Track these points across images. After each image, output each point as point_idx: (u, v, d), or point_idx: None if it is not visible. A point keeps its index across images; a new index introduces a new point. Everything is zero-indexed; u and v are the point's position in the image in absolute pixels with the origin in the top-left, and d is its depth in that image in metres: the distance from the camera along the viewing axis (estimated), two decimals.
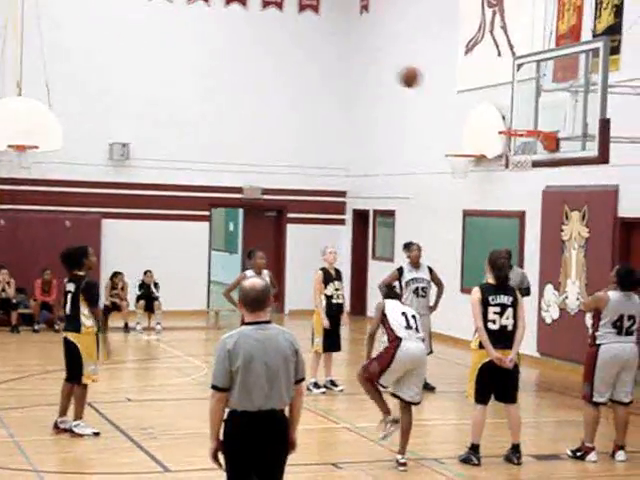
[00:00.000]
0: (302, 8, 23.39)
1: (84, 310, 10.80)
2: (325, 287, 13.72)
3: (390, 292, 10.66)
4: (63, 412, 10.94)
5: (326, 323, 13.51)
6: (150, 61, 21.99)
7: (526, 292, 13.54)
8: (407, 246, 14.39)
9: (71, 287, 10.88)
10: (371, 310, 20.99)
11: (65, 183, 21.31)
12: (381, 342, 9.97)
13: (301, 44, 23.32)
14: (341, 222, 23.96)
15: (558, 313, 16.17)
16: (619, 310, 10.35)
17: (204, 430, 10.17)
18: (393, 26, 22.21)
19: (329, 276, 13.81)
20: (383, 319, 9.78)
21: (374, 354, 10.09)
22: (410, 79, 12.79)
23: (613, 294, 10.45)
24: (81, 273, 10.85)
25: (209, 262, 22.96)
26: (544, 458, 10.44)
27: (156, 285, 20.69)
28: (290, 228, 23.56)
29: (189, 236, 22.40)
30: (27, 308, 20.01)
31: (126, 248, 21.56)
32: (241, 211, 26.02)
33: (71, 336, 10.82)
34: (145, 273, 20.65)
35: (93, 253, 11.23)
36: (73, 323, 10.88)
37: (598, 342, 10.30)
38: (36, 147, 17.69)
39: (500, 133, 16.20)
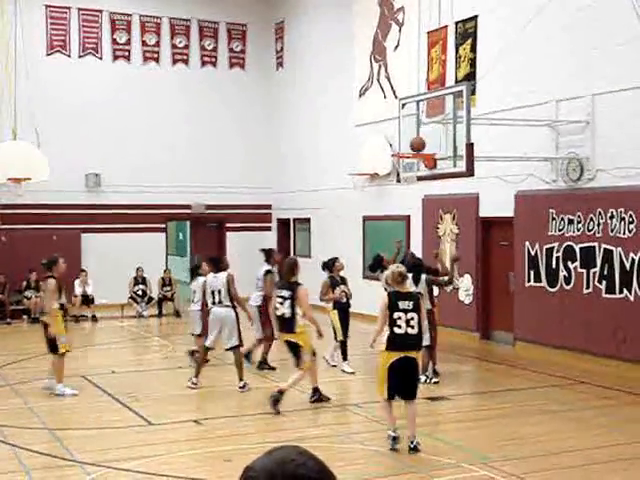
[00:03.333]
0: (232, 65, 23.07)
1: None
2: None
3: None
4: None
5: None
6: (116, 110, 21.61)
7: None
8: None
9: None
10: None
11: (51, 206, 20.85)
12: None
13: (233, 94, 23.08)
14: (268, 229, 23.66)
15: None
16: None
17: (176, 392, 11.28)
18: (303, 78, 22.06)
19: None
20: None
21: None
22: (418, 146, 12.74)
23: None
24: None
25: (166, 264, 22.37)
26: None
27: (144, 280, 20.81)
28: (229, 235, 23.11)
29: (150, 244, 21.97)
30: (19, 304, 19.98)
31: (101, 256, 21.20)
32: (188, 223, 25.15)
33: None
34: (137, 269, 20.64)
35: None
36: None
37: None
38: (29, 179, 17.30)
39: (392, 156, 16.17)
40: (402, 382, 8.34)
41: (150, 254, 21.74)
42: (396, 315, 8.30)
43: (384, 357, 8.37)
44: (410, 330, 8.31)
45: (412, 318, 8.33)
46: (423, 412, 10.00)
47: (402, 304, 8.34)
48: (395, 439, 8.35)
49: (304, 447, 1.77)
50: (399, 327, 8.29)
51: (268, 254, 13.24)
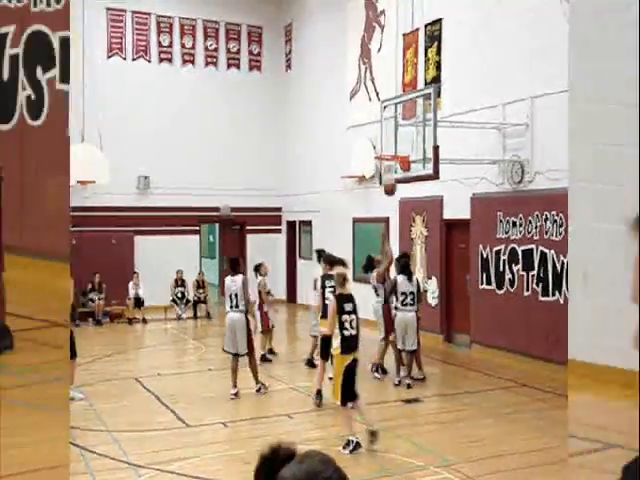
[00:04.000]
0: (251, 67, 23.32)
1: None
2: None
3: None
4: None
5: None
6: (164, 117, 21.77)
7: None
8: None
9: None
10: (300, 297, 21.79)
11: (109, 209, 20.84)
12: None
13: (252, 96, 23.06)
14: (279, 231, 23.50)
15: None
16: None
17: (211, 394, 11.36)
18: (306, 80, 21.98)
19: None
20: None
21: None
22: (388, 188, 12.72)
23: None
24: None
25: (200, 266, 22.30)
26: None
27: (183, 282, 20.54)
28: (249, 237, 23.10)
29: (186, 246, 21.93)
30: (85, 306, 19.99)
31: (148, 258, 21.40)
32: (217, 225, 24.47)
33: None
34: (177, 272, 20.54)
35: None
36: None
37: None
38: (94, 182, 18.03)
39: (376, 158, 15.72)
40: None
41: (187, 256, 21.77)
42: (344, 318, 8.40)
43: (341, 361, 8.37)
44: (353, 332, 8.43)
45: (353, 320, 8.47)
46: (394, 414, 10.22)
47: (347, 306, 8.47)
48: (359, 444, 8.34)
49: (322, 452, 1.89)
50: (347, 329, 8.39)
51: (320, 254, 13.03)
